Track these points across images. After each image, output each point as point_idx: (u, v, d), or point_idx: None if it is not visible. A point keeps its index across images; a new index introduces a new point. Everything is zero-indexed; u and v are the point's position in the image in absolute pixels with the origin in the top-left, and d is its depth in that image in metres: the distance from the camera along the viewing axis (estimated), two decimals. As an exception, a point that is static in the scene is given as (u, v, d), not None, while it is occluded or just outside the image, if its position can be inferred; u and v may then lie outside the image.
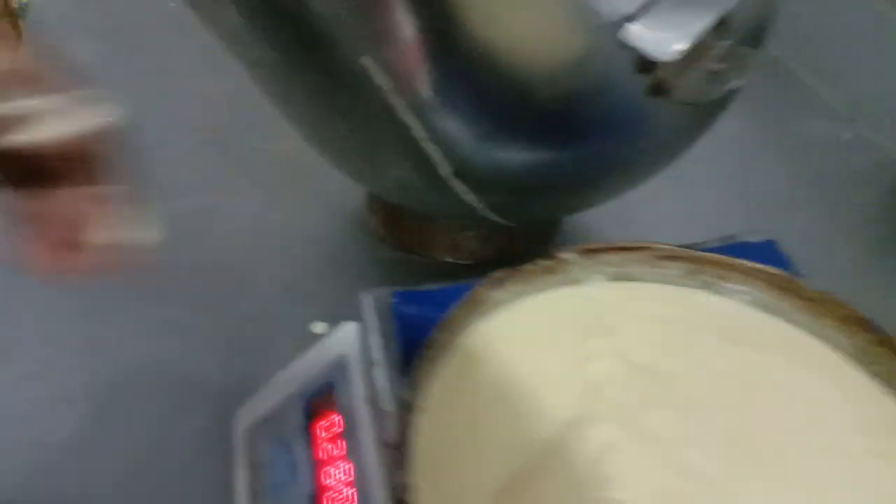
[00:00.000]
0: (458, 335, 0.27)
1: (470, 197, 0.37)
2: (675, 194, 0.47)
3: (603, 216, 0.45)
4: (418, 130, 0.33)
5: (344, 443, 0.32)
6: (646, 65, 0.31)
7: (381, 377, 0.31)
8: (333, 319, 0.42)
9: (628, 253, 0.29)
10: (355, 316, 0.34)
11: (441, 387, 0.26)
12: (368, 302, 0.33)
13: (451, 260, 0.47)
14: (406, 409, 0.23)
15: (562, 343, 0.28)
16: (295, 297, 0.47)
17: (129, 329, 0.44)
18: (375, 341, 0.32)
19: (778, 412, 0.26)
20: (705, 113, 0.37)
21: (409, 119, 0.33)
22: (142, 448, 0.39)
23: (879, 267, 0.49)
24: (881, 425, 0.26)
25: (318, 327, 0.46)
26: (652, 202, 0.44)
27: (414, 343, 0.31)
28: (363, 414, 0.31)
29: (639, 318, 0.29)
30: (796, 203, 0.54)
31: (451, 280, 0.33)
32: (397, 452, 0.23)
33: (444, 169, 0.35)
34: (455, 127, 0.33)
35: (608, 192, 0.41)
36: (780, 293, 0.28)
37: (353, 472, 0.30)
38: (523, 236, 0.47)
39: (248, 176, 0.54)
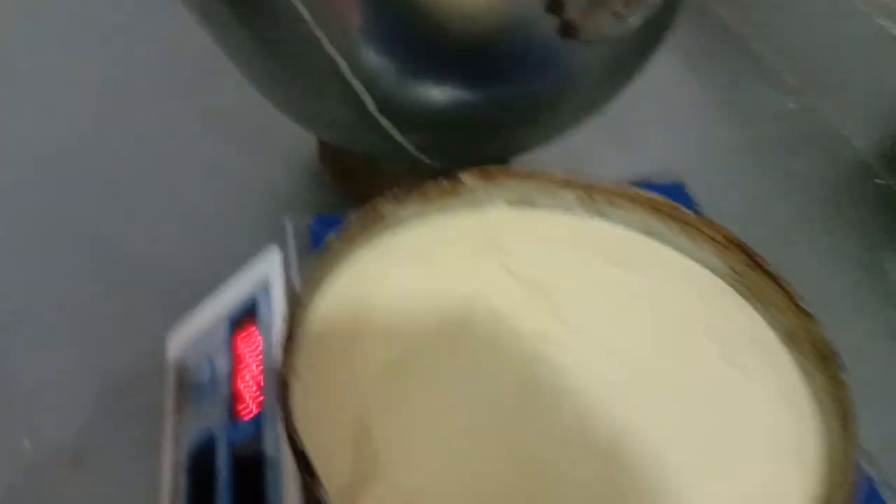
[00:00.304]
0: (355, 246, 0.29)
1: (396, 135, 0.39)
2: (618, 147, 0.49)
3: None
4: (342, 64, 0.35)
5: (260, 355, 0.34)
6: (555, 5, 0.33)
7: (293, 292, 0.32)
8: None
9: (526, 179, 0.31)
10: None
11: (332, 291, 0.28)
12: (289, 226, 0.35)
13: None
14: (296, 304, 0.25)
15: (451, 259, 0.30)
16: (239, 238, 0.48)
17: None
18: (294, 261, 0.34)
19: (648, 322, 0.28)
20: (626, 59, 0.39)
21: (333, 52, 0.35)
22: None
23: (797, 227, 0.51)
24: (741, 338, 0.28)
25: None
26: (595, 149, 0.46)
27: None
28: (279, 328, 0.33)
29: (529, 240, 0.31)
30: (735, 160, 0.56)
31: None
32: (286, 342, 0.24)
33: (370, 104, 0.37)
34: (377, 61, 0.35)
35: (537, 135, 0.42)
36: (663, 218, 0.30)
37: (262, 380, 0.32)
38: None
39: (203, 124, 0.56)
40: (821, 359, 0.26)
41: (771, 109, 0.62)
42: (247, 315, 0.36)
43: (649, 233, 0.31)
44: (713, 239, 0.29)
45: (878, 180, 0.56)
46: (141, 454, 0.37)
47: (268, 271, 0.36)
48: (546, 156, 0.45)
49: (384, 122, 0.36)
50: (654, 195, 0.30)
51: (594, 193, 0.31)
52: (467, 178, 0.31)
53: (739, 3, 0.70)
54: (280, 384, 0.23)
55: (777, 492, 0.23)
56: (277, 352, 0.24)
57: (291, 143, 0.54)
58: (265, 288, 0.36)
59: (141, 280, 0.44)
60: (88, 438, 0.38)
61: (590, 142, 0.43)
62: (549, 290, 0.29)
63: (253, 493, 0.30)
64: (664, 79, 0.40)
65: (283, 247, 0.36)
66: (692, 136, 0.58)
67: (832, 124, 0.60)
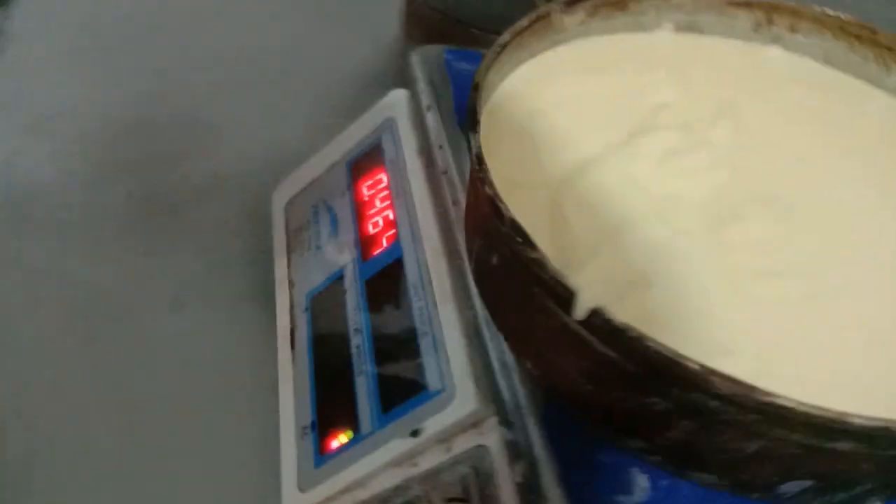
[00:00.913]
0: (525, 48, 0.26)
1: None
2: None
3: None
4: None
5: (388, 193, 0.32)
6: None
7: (434, 122, 0.30)
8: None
9: (701, -5, 0.28)
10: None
11: (505, 90, 0.25)
12: (416, 59, 0.33)
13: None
14: (475, 90, 0.23)
15: (625, 73, 0.27)
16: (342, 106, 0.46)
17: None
18: (425, 90, 0.31)
19: (838, 137, 0.26)
20: None
21: None
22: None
23: None
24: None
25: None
26: None
27: (465, 94, 0.30)
28: (413, 164, 0.31)
29: (703, 65, 0.28)
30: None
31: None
32: (473, 124, 0.22)
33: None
34: None
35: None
36: (851, 42, 0.28)
37: (395, 217, 0.30)
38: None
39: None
40: None
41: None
42: (369, 158, 0.34)
43: (829, 61, 0.29)
44: (911, 59, 0.27)
45: None
46: (244, 300, 0.36)
47: (391, 112, 0.34)
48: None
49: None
50: (845, 16, 0.28)
51: (775, 15, 0.28)
52: (639, -11, 0.28)
53: None
54: (478, 161, 0.21)
55: None
56: (470, 135, 0.21)
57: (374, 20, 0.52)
58: (390, 128, 0.33)
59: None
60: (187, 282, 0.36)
61: None
62: (739, 106, 0.26)
63: (396, 320, 0.28)
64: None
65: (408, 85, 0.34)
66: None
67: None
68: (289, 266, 0.35)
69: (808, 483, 0.19)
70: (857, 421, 0.16)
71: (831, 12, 0.28)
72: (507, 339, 0.22)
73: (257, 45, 0.49)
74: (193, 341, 0.35)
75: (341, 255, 0.32)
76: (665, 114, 0.26)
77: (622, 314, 0.17)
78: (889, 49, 0.27)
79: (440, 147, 0.29)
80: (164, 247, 0.38)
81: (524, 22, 0.26)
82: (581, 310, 0.18)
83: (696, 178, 0.23)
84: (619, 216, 0.22)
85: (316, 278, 0.33)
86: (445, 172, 0.28)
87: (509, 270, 0.21)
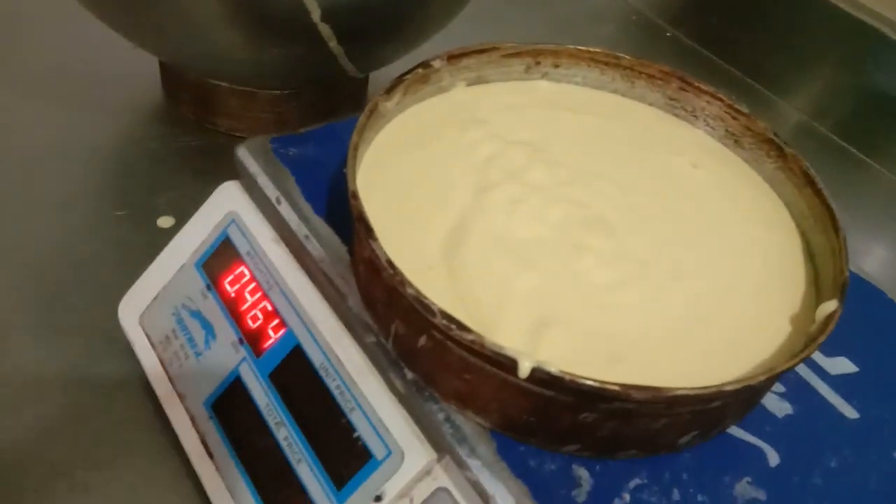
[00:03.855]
0: (365, 141, 0.30)
1: (334, 45, 0.39)
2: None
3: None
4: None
5: (257, 285, 0.33)
6: None
7: (289, 212, 0.32)
8: (176, 212, 0.43)
9: (482, 55, 0.33)
10: (194, 204, 0.36)
11: (363, 178, 0.29)
12: (245, 152, 0.34)
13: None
14: (353, 196, 0.26)
15: (448, 138, 0.32)
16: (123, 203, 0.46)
17: None
18: (266, 182, 0.33)
19: (618, 147, 0.33)
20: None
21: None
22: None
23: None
24: (694, 148, 0.34)
25: (165, 221, 0.45)
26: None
27: (307, 181, 0.33)
28: (274, 254, 0.33)
29: (501, 109, 0.34)
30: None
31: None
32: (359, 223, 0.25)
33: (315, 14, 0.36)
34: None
35: (427, 33, 0.45)
36: (601, 67, 0.35)
37: (276, 307, 0.32)
38: (338, 100, 0.50)
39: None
40: (764, 143, 0.32)
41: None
42: (221, 255, 0.35)
43: (588, 83, 0.36)
44: (650, 76, 0.35)
45: None
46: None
47: (230, 206, 0.35)
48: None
49: (326, 31, 0.36)
50: (591, 48, 0.35)
51: (540, 57, 0.35)
52: (437, 63, 0.32)
53: None
54: (390, 266, 0.24)
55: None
56: (373, 245, 0.25)
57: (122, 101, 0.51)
58: (235, 222, 0.35)
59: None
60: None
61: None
62: (541, 144, 0.32)
63: (316, 404, 0.30)
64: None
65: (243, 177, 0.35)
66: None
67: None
68: (171, 380, 0.35)
69: (695, 432, 0.26)
70: (730, 387, 0.23)
71: (582, 48, 0.35)
72: (447, 400, 0.26)
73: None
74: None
75: (230, 357, 0.33)
76: (493, 168, 0.31)
77: (544, 355, 0.23)
78: (629, 69, 0.35)
79: (306, 237, 0.31)
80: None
81: (362, 119, 0.29)
82: (524, 371, 0.22)
83: (540, 220, 0.29)
84: (501, 272, 0.27)
85: (208, 385, 0.34)
86: (323, 261, 0.31)
87: (442, 348, 0.25)
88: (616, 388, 0.22)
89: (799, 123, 0.64)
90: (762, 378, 0.23)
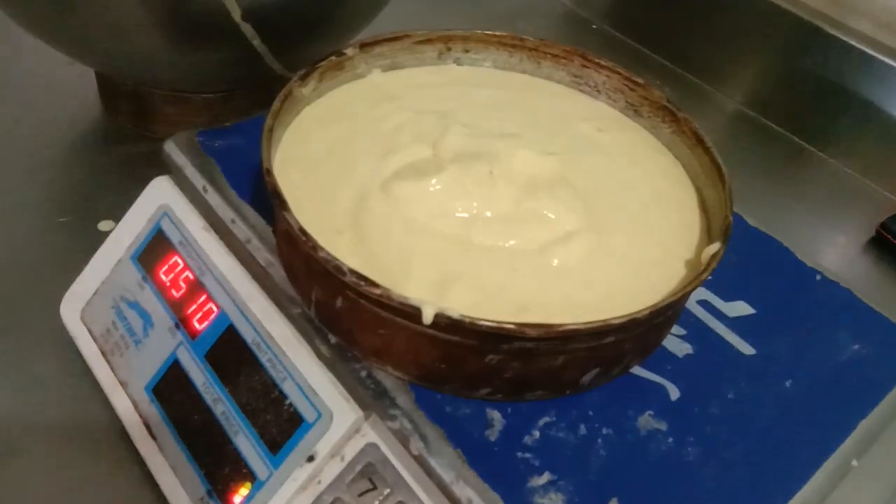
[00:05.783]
0: (282, 124, 0.31)
1: (258, 43, 0.41)
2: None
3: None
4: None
5: (190, 273, 0.35)
6: None
7: (217, 200, 0.34)
8: (116, 216, 0.44)
9: (394, 42, 0.36)
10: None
11: (280, 157, 0.30)
12: (171, 147, 0.36)
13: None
14: (267, 174, 0.28)
15: (360, 114, 0.34)
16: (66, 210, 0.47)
17: None
18: (194, 173, 0.35)
19: (526, 115, 0.35)
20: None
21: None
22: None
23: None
24: (599, 116, 0.36)
25: (105, 225, 0.46)
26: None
27: (232, 170, 0.35)
28: (204, 241, 0.35)
29: (413, 87, 0.36)
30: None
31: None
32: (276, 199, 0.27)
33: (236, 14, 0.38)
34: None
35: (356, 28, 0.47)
36: (509, 50, 0.37)
37: (210, 292, 0.34)
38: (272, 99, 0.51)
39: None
40: (660, 110, 0.35)
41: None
42: (155, 248, 0.36)
43: (498, 66, 0.38)
44: (554, 55, 0.37)
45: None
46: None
47: (161, 200, 0.37)
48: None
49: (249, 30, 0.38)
50: (499, 33, 0.37)
51: (451, 43, 0.37)
52: (350, 51, 0.34)
53: None
54: (302, 234, 0.26)
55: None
56: (285, 215, 0.26)
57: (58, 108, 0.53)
58: (167, 215, 0.36)
59: None
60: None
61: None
62: (451, 113, 0.34)
63: (251, 378, 0.32)
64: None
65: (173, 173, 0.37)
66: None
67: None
68: (112, 370, 0.36)
69: (596, 370, 0.28)
70: (616, 321, 0.25)
71: (489, 32, 0.37)
72: (367, 358, 0.28)
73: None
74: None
75: (168, 342, 0.35)
76: (402, 134, 0.33)
77: (451, 305, 0.24)
78: (534, 49, 0.37)
79: (233, 221, 0.33)
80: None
81: (276, 104, 0.31)
82: (428, 317, 0.24)
83: (446, 179, 0.31)
84: (405, 232, 0.29)
85: (148, 371, 0.35)
86: (249, 241, 0.32)
87: (356, 307, 0.26)
88: (511, 325, 0.24)
89: (736, 112, 0.65)
90: (646, 312, 0.25)
